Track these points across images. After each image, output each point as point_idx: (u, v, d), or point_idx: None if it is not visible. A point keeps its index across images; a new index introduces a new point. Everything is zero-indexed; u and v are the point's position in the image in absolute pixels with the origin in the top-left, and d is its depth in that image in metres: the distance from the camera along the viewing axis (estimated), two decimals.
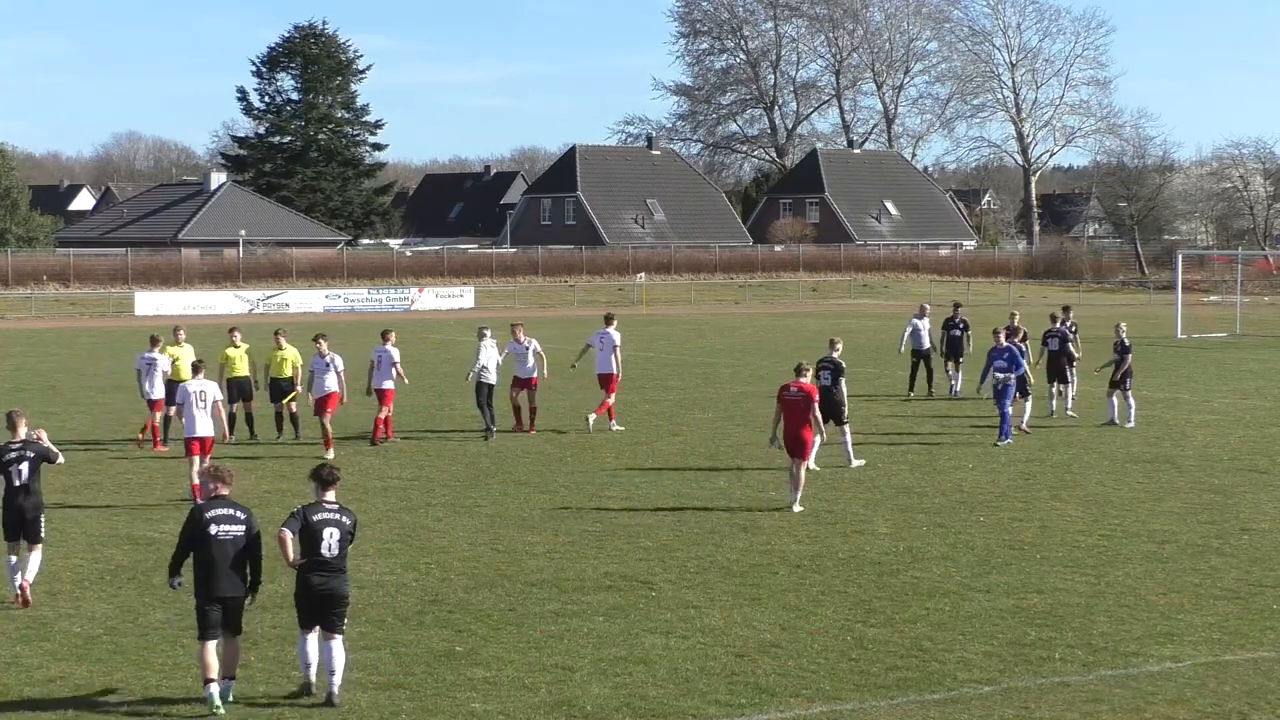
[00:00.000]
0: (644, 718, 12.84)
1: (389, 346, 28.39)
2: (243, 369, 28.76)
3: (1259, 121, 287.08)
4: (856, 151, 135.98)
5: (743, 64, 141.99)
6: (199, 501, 13.32)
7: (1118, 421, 30.82)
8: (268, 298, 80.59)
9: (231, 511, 13.16)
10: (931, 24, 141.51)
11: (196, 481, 20.44)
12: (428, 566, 18.24)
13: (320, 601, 13.15)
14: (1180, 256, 69.44)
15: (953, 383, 36.14)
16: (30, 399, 35.46)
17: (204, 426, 22.64)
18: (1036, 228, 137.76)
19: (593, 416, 30.09)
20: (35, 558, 16.47)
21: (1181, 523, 21.04)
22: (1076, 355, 33.02)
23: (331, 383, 27.00)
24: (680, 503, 22.45)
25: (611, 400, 30.22)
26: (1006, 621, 15.79)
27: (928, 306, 38.06)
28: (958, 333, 36.32)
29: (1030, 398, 30.05)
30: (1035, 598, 16.79)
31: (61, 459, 17.04)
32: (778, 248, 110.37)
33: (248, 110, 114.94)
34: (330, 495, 13.38)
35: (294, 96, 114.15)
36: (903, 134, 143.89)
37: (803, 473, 21.99)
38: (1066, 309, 35.54)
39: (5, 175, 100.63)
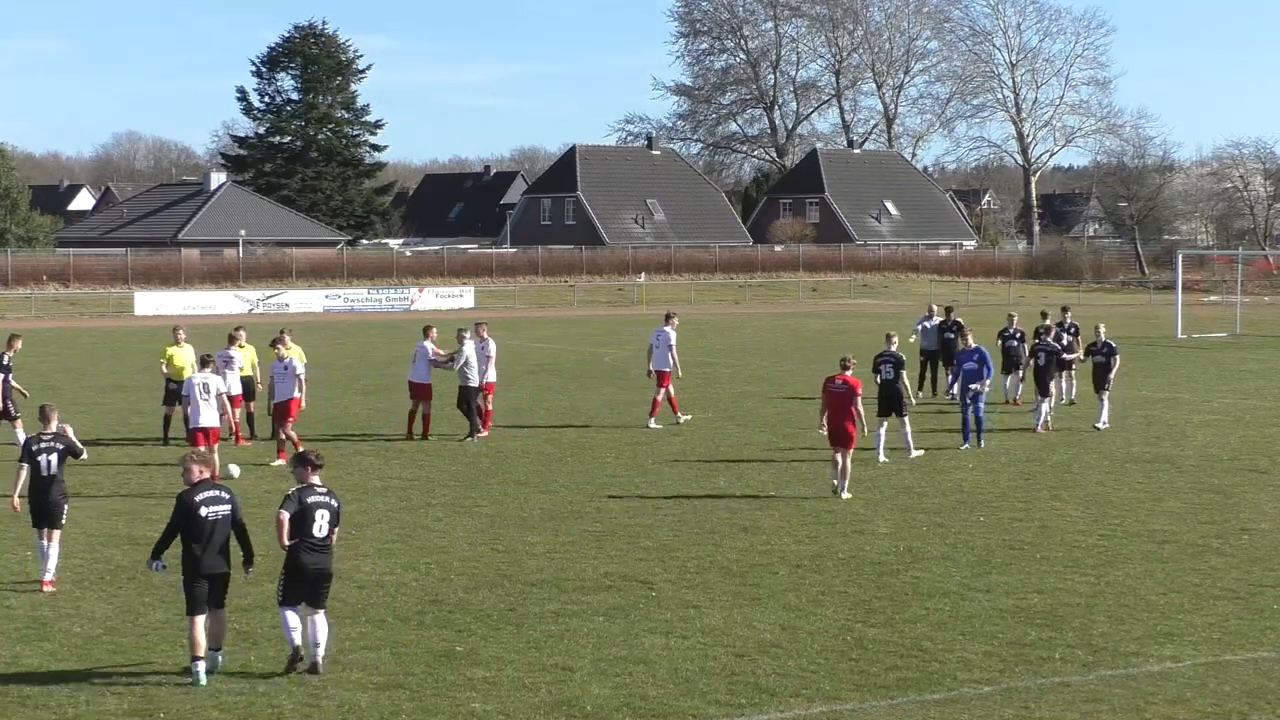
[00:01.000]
0: (644, 718, 12.84)
1: (427, 343, 29.05)
2: (246, 369, 28.84)
3: (1259, 121, 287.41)
4: (856, 151, 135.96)
5: (743, 64, 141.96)
6: (186, 486, 14.05)
7: (1097, 424, 30.19)
8: (268, 298, 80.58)
9: (217, 493, 14.06)
10: (932, 24, 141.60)
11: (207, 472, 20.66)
12: (428, 566, 18.24)
13: (313, 579, 13.89)
14: (1180, 256, 69.45)
15: (950, 383, 36.12)
16: (30, 399, 35.45)
17: (208, 417, 23.72)
18: (1036, 228, 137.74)
19: (652, 421, 30.63)
20: (54, 550, 17.13)
21: (1181, 523, 21.04)
22: (1075, 357, 33.03)
23: (292, 388, 26.14)
24: (680, 503, 22.46)
25: (659, 395, 30.84)
26: (1006, 621, 15.80)
27: (936, 307, 38.13)
28: (951, 334, 36.33)
29: (1051, 396, 29.99)
30: (1035, 598, 16.80)
31: (85, 454, 17.99)
32: (778, 248, 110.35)
33: (248, 110, 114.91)
34: (318, 479, 14.19)
35: (294, 96, 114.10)
36: (903, 134, 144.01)
37: (849, 462, 22.89)
38: (1065, 309, 35.61)
39: (5, 175, 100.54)
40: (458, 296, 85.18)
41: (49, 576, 17.04)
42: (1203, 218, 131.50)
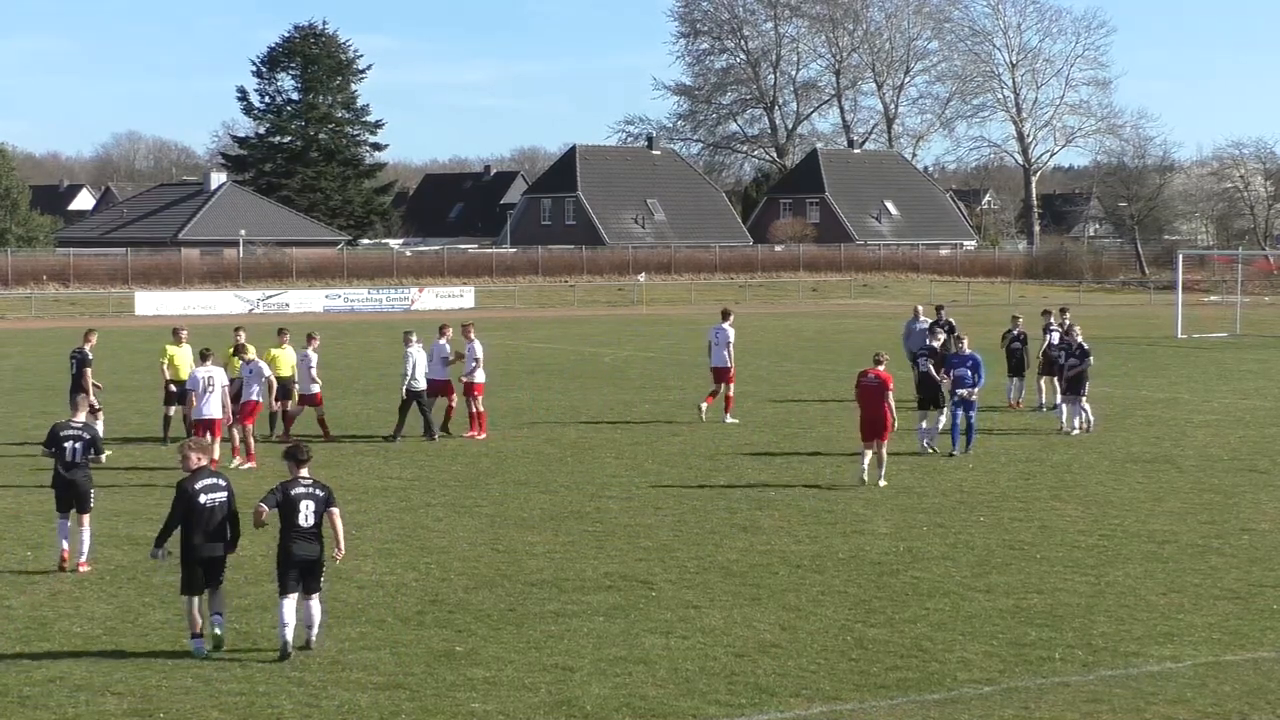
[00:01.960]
0: (644, 718, 12.84)
1: (443, 341, 29.57)
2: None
3: (1259, 121, 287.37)
4: (857, 151, 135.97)
5: (743, 64, 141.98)
6: (185, 474, 14.84)
7: (1065, 428, 29.69)
8: (268, 298, 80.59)
9: (215, 480, 14.86)
10: (932, 24, 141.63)
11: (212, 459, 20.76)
12: (428, 566, 18.24)
13: (302, 565, 14.47)
14: (1180, 256, 69.49)
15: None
16: (30, 399, 35.50)
17: (212, 409, 24.62)
18: (1037, 228, 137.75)
19: (704, 405, 31.17)
20: (85, 534, 17.91)
21: (1181, 523, 21.04)
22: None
23: (256, 392, 26.63)
24: (680, 503, 22.46)
25: (725, 391, 31.42)
26: (1006, 621, 15.80)
27: (923, 309, 38.09)
28: (943, 331, 36.24)
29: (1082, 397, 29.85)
30: (1035, 598, 16.79)
31: (104, 458, 18.85)
32: (778, 248, 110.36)
33: (248, 110, 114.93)
34: (304, 472, 14.76)
35: (294, 96, 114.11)
36: (903, 134, 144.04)
37: (884, 451, 23.71)
38: (1064, 310, 35.54)
39: (5, 175, 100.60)
40: (458, 296, 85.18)
41: (83, 558, 17.77)
42: (1203, 218, 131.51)
